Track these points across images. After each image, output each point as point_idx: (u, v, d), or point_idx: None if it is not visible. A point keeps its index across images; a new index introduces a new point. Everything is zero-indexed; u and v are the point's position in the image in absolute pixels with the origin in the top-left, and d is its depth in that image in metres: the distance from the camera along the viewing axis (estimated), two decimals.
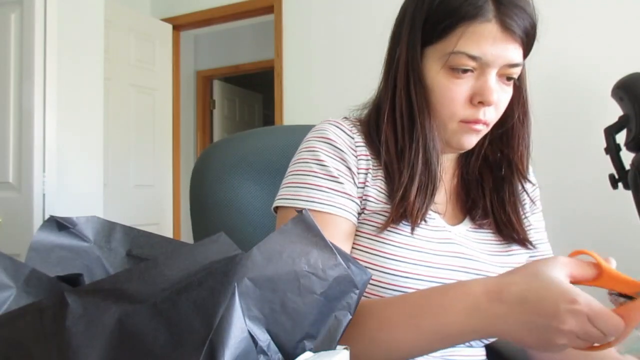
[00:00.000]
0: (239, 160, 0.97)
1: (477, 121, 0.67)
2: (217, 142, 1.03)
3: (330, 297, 0.42)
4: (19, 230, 2.19)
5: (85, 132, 2.55)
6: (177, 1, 3.67)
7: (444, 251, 0.69)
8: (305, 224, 0.41)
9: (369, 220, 0.70)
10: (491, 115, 0.67)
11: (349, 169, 0.70)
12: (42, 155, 2.26)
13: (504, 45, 0.63)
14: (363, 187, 0.70)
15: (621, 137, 1.74)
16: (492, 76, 0.65)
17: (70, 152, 2.43)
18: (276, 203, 0.71)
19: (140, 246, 0.52)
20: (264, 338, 0.37)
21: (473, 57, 0.64)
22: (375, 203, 0.70)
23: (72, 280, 0.46)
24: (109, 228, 0.53)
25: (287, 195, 0.70)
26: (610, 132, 1.76)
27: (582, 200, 2.27)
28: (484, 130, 0.69)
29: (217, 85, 4.73)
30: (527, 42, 0.66)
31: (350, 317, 0.45)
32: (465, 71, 0.65)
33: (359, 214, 0.71)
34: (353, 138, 0.72)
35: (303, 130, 1.00)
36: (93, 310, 0.35)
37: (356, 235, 0.70)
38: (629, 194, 1.73)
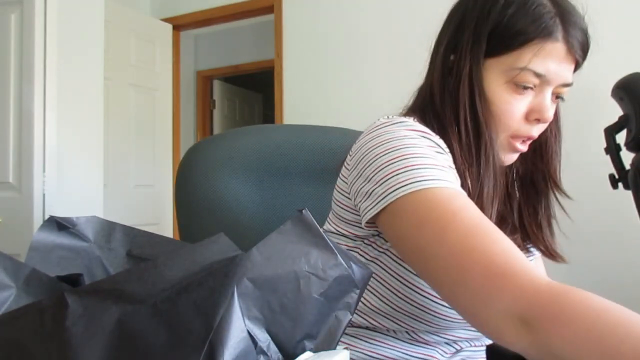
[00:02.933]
0: (225, 158, 0.95)
1: (529, 137, 0.67)
2: (203, 140, 1.02)
3: (330, 297, 0.42)
4: (19, 230, 2.19)
5: (85, 132, 2.55)
6: (177, 1, 3.67)
7: None
8: (305, 224, 0.41)
9: None
10: (540, 132, 0.68)
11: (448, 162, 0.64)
12: (42, 155, 2.26)
13: (567, 65, 0.65)
14: None
15: (621, 137, 1.74)
16: (549, 94, 0.66)
17: (70, 152, 2.43)
18: (402, 192, 0.56)
19: (140, 246, 0.52)
20: (263, 338, 0.37)
21: (538, 75, 0.64)
22: None
23: (72, 280, 0.46)
24: (109, 228, 0.53)
25: (414, 179, 0.57)
26: (610, 132, 1.76)
27: (582, 201, 2.26)
28: (525, 149, 0.69)
29: (217, 85, 4.73)
30: (581, 64, 0.67)
31: (351, 316, 0.45)
32: (525, 88, 0.65)
33: None
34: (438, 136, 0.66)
35: (296, 130, 0.99)
36: (93, 310, 0.34)
37: None
38: (628, 194, 1.72)
